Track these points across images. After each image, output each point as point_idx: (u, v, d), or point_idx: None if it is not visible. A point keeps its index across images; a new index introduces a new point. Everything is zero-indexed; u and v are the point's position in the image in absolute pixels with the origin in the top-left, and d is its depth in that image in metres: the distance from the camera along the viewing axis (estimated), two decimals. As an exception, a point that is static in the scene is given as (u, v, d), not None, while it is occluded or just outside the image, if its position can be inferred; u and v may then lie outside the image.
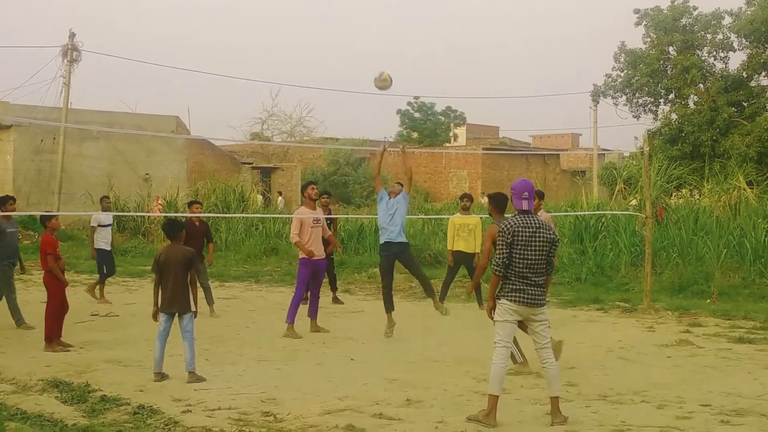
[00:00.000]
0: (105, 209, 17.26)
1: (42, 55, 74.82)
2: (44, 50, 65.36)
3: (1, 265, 13.16)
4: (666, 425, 7.56)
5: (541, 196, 14.13)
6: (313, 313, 13.34)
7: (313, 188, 13.44)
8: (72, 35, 32.62)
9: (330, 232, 14.06)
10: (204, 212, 27.43)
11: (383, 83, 13.00)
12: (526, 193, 7.92)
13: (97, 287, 16.67)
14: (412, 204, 37.23)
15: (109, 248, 16.77)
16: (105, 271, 16.74)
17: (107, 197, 18.13)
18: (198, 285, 10.35)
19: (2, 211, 13.38)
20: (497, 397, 7.69)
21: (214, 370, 10.00)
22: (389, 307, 12.76)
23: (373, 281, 20.04)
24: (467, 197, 16.13)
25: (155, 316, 9.81)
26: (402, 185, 13.19)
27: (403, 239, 12.87)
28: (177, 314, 9.67)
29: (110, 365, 10.32)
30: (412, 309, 16.12)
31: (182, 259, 9.69)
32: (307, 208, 13.31)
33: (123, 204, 30.03)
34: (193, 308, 9.72)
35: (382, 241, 12.93)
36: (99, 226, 16.70)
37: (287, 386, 9.17)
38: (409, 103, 67.69)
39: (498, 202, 9.37)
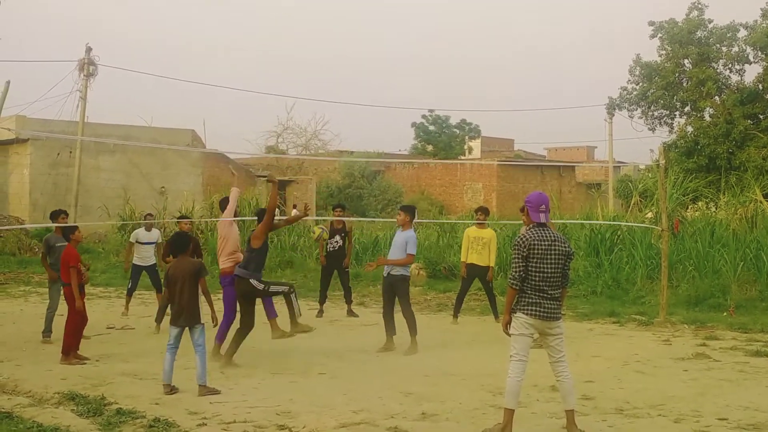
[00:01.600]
0: (147, 228, 16.97)
1: (59, 69, 75.28)
2: (61, 64, 65.79)
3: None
4: (683, 439, 7.52)
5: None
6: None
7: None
8: (89, 49, 32.84)
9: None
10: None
11: None
12: (544, 206, 7.92)
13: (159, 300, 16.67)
14: (427, 216, 37.24)
15: (143, 264, 16.60)
16: (130, 285, 16.78)
17: (151, 214, 18.07)
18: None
19: (56, 224, 13.54)
20: (513, 410, 7.66)
21: (229, 382, 10.01)
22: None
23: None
24: (482, 210, 16.09)
25: None
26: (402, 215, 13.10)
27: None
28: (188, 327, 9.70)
29: (126, 378, 10.34)
30: (428, 322, 16.10)
31: (191, 270, 9.73)
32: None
33: (138, 217, 30.14)
34: (202, 321, 9.73)
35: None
36: (137, 242, 16.69)
37: (302, 399, 9.16)
38: (423, 116, 67.81)
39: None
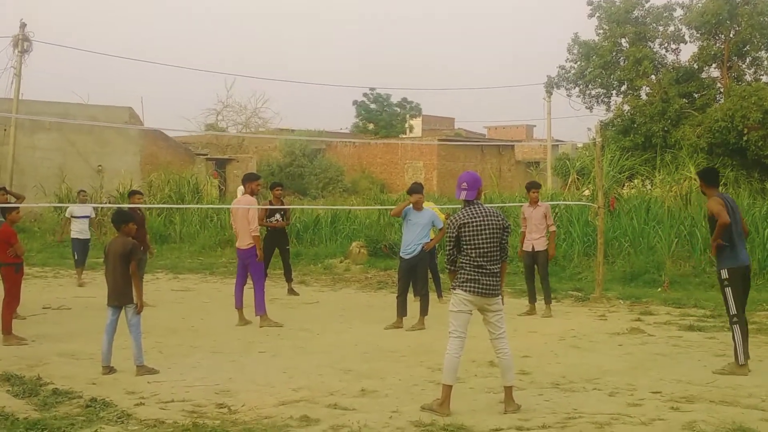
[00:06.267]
0: (81, 201, 18.74)
1: (-8, 45, 73.61)
2: (-6, 41, 64.21)
3: None
4: (617, 412, 7.65)
5: (537, 186, 14.56)
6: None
7: None
8: (23, 25, 32.20)
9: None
10: (159, 203, 27.33)
11: None
12: (465, 184, 7.93)
13: (78, 273, 18.13)
14: (368, 195, 37.27)
15: (81, 237, 18.04)
16: (76, 257, 18.10)
17: (84, 191, 20.03)
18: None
19: None
20: (451, 386, 7.72)
21: (168, 362, 9.94)
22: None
23: (328, 273, 20.06)
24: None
25: None
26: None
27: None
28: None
29: (62, 358, 10.22)
30: (368, 300, 16.17)
31: (120, 250, 9.51)
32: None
33: (75, 196, 29.70)
34: (134, 301, 9.56)
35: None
36: (72, 217, 18.06)
37: (242, 378, 9.15)
38: (365, 95, 67.68)
39: (708, 178, 9.90)
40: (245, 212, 12.88)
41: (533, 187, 14.44)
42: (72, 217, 18.18)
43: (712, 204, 9.55)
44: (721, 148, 31.23)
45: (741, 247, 9.59)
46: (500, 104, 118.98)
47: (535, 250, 14.03)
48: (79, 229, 18.08)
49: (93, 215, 18.63)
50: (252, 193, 13.25)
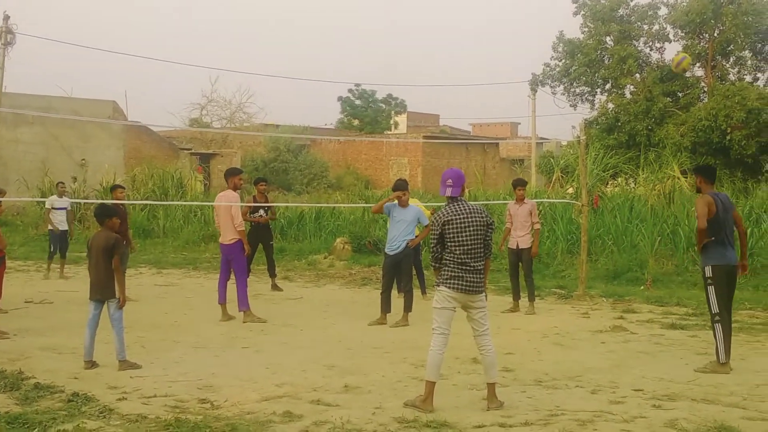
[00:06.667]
0: (60, 194, 19.09)
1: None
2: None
3: None
4: (599, 410, 7.67)
5: (523, 183, 14.60)
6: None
7: None
8: (6, 17, 31.96)
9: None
10: (141, 199, 27.21)
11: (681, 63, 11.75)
12: (450, 181, 7.93)
13: (61, 265, 18.42)
14: (353, 191, 37.21)
15: (60, 228, 18.35)
16: (52, 249, 18.39)
17: (62, 183, 20.17)
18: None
19: None
20: (434, 383, 7.73)
21: (150, 357, 9.91)
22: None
23: (312, 268, 20.04)
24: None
25: None
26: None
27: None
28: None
29: (44, 352, 10.17)
30: (352, 296, 16.16)
31: (104, 245, 9.47)
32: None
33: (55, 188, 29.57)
34: (117, 295, 9.52)
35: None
36: (53, 208, 18.44)
37: (225, 373, 9.12)
38: (350, 90, 67.62)
39: (708, 175, 9.76)
40: (228, 207, 12.84)
41: (519, 184, 14.50)
42: (53, 208, 18.48)
43: (698, 204, 9.50)
44: (705, 147, 31.38)
45: (729, 247, 9.53)
46: (485, 101, 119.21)
47: (520, 247, 14.06)
48: (58, 221, 18.35)
49: (69, 207, 18.90)
50: (235, 188, 13.22)
